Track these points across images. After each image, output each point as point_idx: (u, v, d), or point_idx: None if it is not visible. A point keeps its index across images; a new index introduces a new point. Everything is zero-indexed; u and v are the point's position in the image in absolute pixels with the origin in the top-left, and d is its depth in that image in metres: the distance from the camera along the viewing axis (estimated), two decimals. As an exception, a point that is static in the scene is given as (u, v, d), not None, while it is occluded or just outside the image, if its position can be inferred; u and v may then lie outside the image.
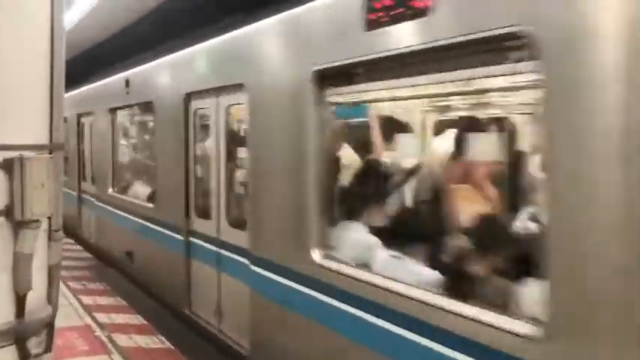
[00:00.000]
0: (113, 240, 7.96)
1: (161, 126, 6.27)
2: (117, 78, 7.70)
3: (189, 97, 5.40)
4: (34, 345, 2.29)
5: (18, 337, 2.22)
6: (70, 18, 8.53)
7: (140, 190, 7.41)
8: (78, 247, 9.74)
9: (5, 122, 2.21)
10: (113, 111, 8.13)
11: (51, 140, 2.35)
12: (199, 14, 6.24)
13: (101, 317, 6.01)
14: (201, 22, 5.85)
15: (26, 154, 2.19)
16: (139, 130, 8.54)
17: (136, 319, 6.05)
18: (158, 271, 6.26)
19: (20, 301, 2.22)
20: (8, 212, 2.19)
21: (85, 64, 9.67)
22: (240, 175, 4.85)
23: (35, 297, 2.29)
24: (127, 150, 8.60)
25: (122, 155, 8.48)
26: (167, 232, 5.89)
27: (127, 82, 7.23)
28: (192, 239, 5.45)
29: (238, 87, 4.42)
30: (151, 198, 6.71)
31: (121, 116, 8.32)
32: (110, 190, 8.09)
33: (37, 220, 2.23)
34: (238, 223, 4.69)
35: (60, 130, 2.36)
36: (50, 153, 2.34)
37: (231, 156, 4.91)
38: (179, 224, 5.59)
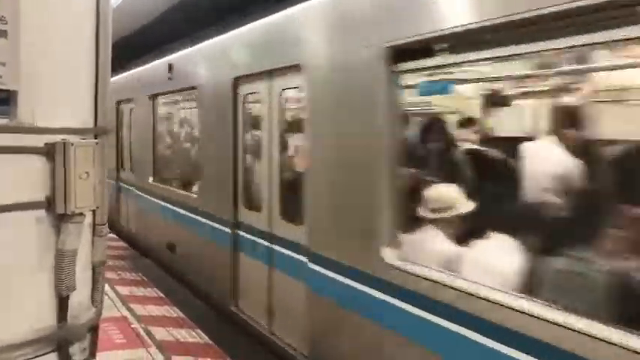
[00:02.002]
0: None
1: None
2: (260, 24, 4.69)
3: None
4: (77, 351, 2.07)
5: (60, 343, 2.00)
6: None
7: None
8: (112, 235, 9.66)
9: (46, 103, 1.97)
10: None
11: (96, 124, 2.10)
12: None
13: (138, 309, 5.86)
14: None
15: (70, 138, 1.95)
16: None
17: (173, 312, 5.88)
18: None
19: (63, 304, 2.00)
20: (49, 204, 1.95)
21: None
22: None
23: (78, 299, 2.07)
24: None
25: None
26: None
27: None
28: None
29: None
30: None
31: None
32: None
33: (81, 214, 1.99)
34: None
35: (106, 113, 2.11)
36: (95, 138, 2.10)
37: None
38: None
